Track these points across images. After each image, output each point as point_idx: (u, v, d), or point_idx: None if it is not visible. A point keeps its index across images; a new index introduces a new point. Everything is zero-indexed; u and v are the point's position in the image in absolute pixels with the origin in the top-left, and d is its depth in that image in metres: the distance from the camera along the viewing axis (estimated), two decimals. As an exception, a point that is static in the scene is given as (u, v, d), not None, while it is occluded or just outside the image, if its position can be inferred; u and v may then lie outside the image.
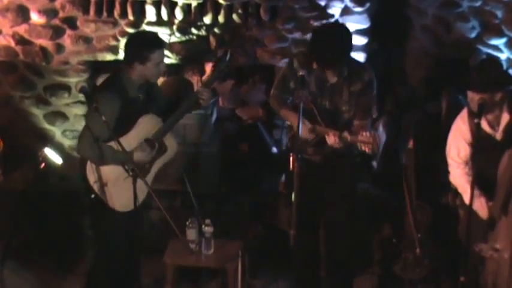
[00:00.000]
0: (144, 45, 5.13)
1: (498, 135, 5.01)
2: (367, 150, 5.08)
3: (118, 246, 5.33)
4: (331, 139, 5.17)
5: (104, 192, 5.16)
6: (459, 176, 5.17)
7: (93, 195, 5.18)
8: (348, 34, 5.24)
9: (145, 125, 5.21)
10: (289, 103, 5.50)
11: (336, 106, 5.33)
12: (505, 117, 5.00)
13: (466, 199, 5.07)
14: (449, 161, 5.21)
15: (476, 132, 4.85)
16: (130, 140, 5.12)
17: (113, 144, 5.05)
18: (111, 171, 5.15)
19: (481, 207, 5.03)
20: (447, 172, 5.31)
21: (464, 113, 5.11)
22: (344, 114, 5.36)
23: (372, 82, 5.31)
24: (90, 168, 5.15)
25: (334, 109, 5.33)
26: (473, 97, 4.91)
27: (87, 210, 5.74)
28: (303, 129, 5.21)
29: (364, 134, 5.07)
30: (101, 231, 5.41)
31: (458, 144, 5.13)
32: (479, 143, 4.90)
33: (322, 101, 5.32)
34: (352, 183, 5.66)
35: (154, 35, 5.48)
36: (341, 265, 5.70)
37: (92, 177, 5.16)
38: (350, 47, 5.28)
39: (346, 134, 5.13)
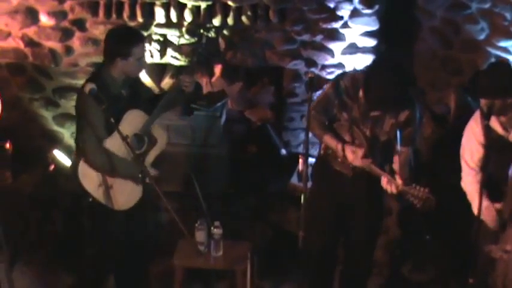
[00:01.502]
0: (125, 39, 5.09)
1: (511, 137, 4.98)
2: (417, 205, 4.90)
3: (118, 246, 5.38)
4: (384, 182, 5.02)
5: (101, 192, 5.17)
6: (470, 183, 5.10)
7: (90, 199, 5.20)
8: (403, 77, 4.97)
9: (131, 121, 5.17)
10: (328, 125, 5.31)
11: (375, 135, 5.19)
12: None
13: (475, 208, 5.04)
14: (463, 164, 5.15)
15: (487, 135, 4.82)
16: (117, 138, 5.06)
17: (107, 145, 5.08)
18: None
19: (490, 217, 4.98)
20: (455, 173, 5.29)
21: (477, 115, 5.05)
22: (382, 141, 5.23)
23: (414, 116, 5.12)
24: (82, 169, 5.15)
25: (372, 137, 5.20)
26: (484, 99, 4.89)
27: (86, 212, 5.80)
28: (356, 158, 5.09)
29: (419, 188, 4.90)
30: (100, 233, 5.44)
31: (471, 147, 5.07)
32: (491, 144, 4.86)
33: (363, 128, 5.19)
34: (381, 206, 5.51)
35: (135, 29, 5.41)
36: (358, 279, 5.70)
37: (86, 177, 5.16)
38: (404, 91, 4.98)
39: (399, 182, 4.99)
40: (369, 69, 5.21)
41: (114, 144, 5.10)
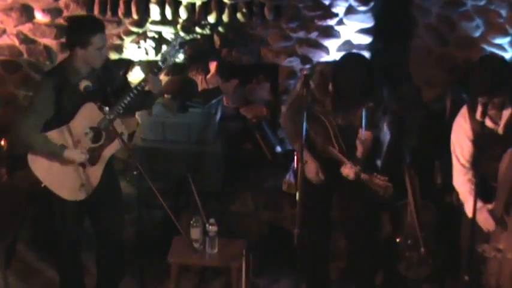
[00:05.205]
0: (84, 28, 5.00)
1: (500, 129, 4.96)
2: (380, 193, 5.09)
3: (69, 236, 5.35)
4: (346, 171, 5.19)
5: (51, 180, 5.13)
6: (462, 183, 5.07)
7: (43, 185, 5.15)
8: (371, 73, 5.01)
9: (88, 113, 5.08)
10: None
11: (349, 122, 5.25)
12: (506, 111, 4.94)
13: (467, 208, 5.01)
14: (454, 160, 5.12)
15: (481, 131, 4.79)
16: (73, 129, 5.04)
17: (49, 133, 5.03)
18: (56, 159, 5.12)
19: (484, 220, 4.95)
20: (451, 171, 5.27)
21: (464, 111, 5.04)
22: (357, 129, 5.26)
23: (382, 100, 5.23)
24: (32, 156, 5.10)
25: (347, 125, 5.26)
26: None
27: (36, 200, 5.86)
28: (312, 171, 5.25)
29: (380, 177, 5.07)
30: (53, 222, 5.39)
31: (461, 143, 5.05)
32: (482, 139, 4.84)
33: (336, 118, 5.23)
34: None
35: (95, 18, 5.30)
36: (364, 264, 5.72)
37: (36, 165, 5.12)
38: (372, 83, 5.03)
39: (361, 173, 5.13)
40: (337, 65, 5.21)
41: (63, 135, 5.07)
